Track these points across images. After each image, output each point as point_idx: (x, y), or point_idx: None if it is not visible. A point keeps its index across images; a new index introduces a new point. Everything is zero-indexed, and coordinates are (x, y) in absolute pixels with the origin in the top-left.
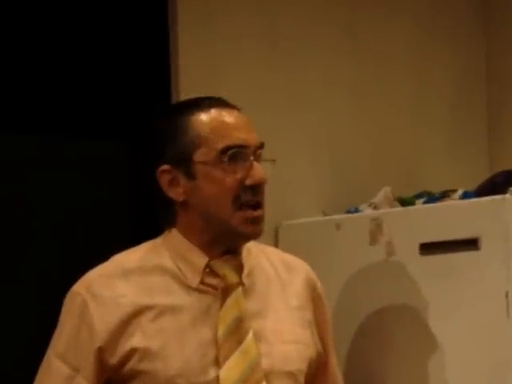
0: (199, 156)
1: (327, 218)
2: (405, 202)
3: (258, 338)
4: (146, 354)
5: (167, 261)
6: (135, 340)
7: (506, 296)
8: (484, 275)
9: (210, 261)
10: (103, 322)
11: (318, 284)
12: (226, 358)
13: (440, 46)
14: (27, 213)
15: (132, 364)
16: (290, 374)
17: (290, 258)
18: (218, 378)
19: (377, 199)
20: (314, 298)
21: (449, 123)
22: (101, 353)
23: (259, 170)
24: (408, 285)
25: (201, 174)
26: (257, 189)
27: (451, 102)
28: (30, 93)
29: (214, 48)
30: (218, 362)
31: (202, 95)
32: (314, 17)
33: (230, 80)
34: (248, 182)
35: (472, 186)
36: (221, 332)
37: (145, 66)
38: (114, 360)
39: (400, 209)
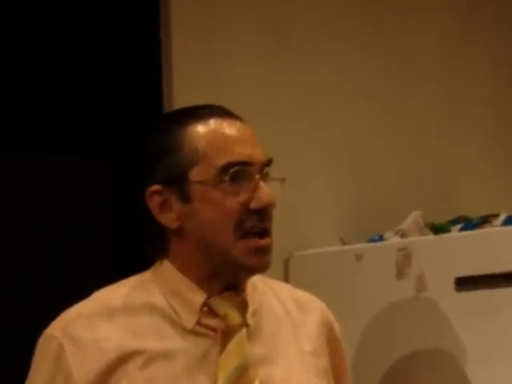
0: (196, 174)
1: (346, 247)
2: (438, 229)
3: None
4: None
5: (158, 298)
6: None
7: None
8: None
9: (208, 298)
10: (82, 369)
11: (336, 325)
12: None
13: (477, 44)
14: None
15: None
16: None
17: (302, 294)
18: None
19: (405, 225)
20: (331, 341)
21: (488, 136)
22: None
23: (266, 192)
24: (441, 325)
25: (198, 195)
26: (263, 213)
27: (490, 109)
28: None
29: (212, 47)
30: None
31: (200, 103)
32: (329, 9)
33: (232, 85)
34: (253, 205)
35: None
36: (221, 382)
37: (132, 69)
38: None
39: (432, 237)
